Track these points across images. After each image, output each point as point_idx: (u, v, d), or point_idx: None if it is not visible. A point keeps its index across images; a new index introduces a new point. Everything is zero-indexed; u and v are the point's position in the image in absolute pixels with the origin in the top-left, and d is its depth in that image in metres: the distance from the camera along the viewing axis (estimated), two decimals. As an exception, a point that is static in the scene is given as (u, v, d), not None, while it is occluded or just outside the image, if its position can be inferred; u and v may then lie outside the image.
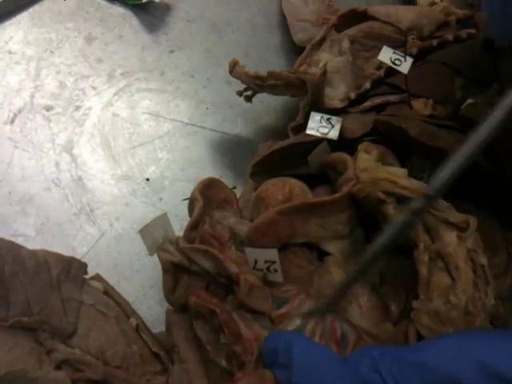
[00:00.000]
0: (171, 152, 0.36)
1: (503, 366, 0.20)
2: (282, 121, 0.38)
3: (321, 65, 0.33)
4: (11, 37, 0.37)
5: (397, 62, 0.32)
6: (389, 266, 0.27)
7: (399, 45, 0.38)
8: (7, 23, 0.37)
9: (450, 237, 0.24)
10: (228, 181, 0.36)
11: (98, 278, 0.28)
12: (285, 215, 0.26)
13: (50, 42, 0.38)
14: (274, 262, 0.24)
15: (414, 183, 0.25)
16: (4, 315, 0.24)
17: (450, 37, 0.39)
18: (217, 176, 0.36)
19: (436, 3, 0.48)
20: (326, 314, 0.23)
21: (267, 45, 0.43)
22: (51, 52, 0.37)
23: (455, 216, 0.24)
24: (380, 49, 0.38)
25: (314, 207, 0.26)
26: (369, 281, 0.27)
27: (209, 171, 0.36)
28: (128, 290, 0.30)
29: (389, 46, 0.33)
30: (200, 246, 0.25)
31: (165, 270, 0.26)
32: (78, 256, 0.30)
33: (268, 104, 0.39)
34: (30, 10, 0.38)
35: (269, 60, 0.42)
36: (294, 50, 0.42)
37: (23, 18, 0.38)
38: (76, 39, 0.38)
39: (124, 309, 0.27)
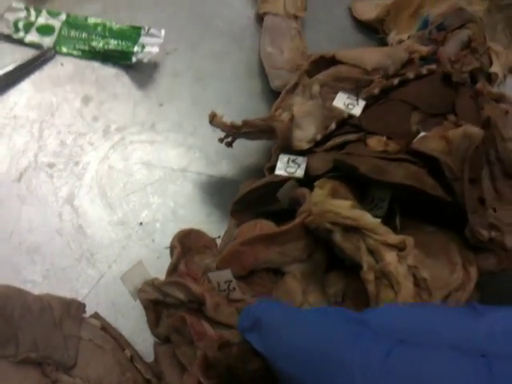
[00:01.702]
0: (162, 197, 0.39)
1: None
2: (263, 161, 0.41)
3: (285, 114, 0.37)
4: (16, 103, 0.41)
5: (350, 107, 0.35)
6: (349, 285, 0.30)
7: (366, 85, 0.42)
8: (12, 91, 0.42)
9: (390, 257, 0.27)
10: (215, 218, 0.40)
11: (96, 316, 0.31)
12: (248, 245, 0.30)
13: (50, 105, 0.42)
14: (231, 281, 0.27)
15: (356, 213, 0.28)
16: (14, 352, 0.28)
17: (410, 75, 0.42)
18: (204, 215, 0.40)
19: (403, 41, 0.51)
20: None
21: (248, 92, 0.47)
22: (52, 114, 0.41)
23: (393, 238, 0.27)
24: (348, 89, 0.42)
25: (272, 237, 0.30)
26: (332, 300, 0.30)
27: (197, 211, 0.40)
28: (125, 325, 0.33)
29: (345, 92, 0.36)
30: (170, 279, 0.28)
31: (146, 308, 0.30)
32: (80, 297, 0.33)
33: (250, 146, 0.43)
34: (32, 77, 0.43)
35: (250, 106, 0.46)
36: (273, 95, 0.45)
37: (26, 84, 0.42)
38: (74, 100, 0.43)
39: (119, 342, 0.31)
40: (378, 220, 0.30)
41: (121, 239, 0.37)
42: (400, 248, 0.28)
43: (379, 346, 0.21)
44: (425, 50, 0.46)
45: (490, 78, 0.48)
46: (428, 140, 0.35)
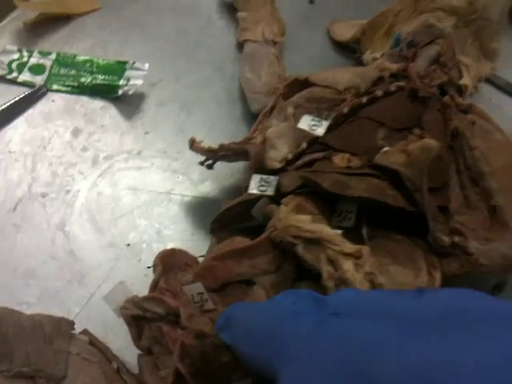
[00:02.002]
0: (148, 219, 0.42)
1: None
2: (243, 181, 0.44)
3: (258, 137, 0.39)
4: (11, 139, 0.45)
5: (313, 128, 0.38)
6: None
7: (339, 104, 0.44)
8: (7, 128, 0.45)
9: (347, 265, 0.29)
10: (199, 237, 0.42)
11: (85, 332, 0.34)
12: (220, 260, 0.32)
13: (42, 139, 0.45)
14: (203, 293, 0.30)
15: (315, 226, 0.30)
16: (8, 367, 0.30)
17: (379, 92, 0.44)
18: (189, 234, 0.42)
19: (377, 59, 0.54)
20: None
21: (230, 117, 0.50)
22: (44, 147, 0.45)
23: (350, 248, 0.30)
24: (322, 110, 0.45)
25: (242, 251, 0.32)
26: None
27: (181, 231, 0.42)
28: (115, 340, 0.36)
29: (310, 114, 0.39)
30: (148, 295, 0.31)
31: (128, 324, 0.32)
32: (71, 315, 0.36)
33: (232, 166, 0.45)
34: (25, 113, 0.46)
35: (232, 130, 0.49)
36: (253, 118, 0.48)
37: (20, 121, 0.46)
38: (64, 133, 0.46)
39: (106, 355, 0.33)
40: (337, 232, 0.32)
41: (109, 260, 0.40)
42: (356, 256, 0.30)
43: (313, 317, 0.23)
44: (394, 67, 0.48)
45: (461, 90, 0.50)
46: (389, 154, 0.37)
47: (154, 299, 0.32)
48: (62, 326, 0.33)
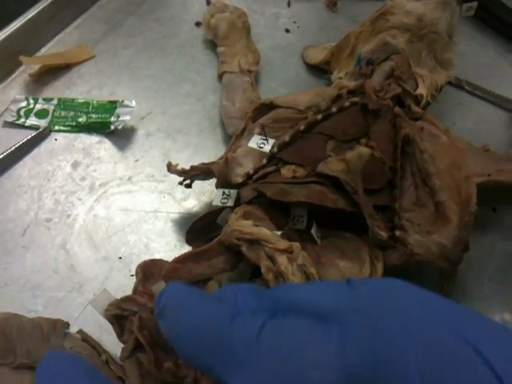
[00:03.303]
0: (137, 234, 0.49)
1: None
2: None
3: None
4: (20, 175, 0.52)
5: (261, 146, 0.44)
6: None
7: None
8: (17, 166, 0.53)
9: (281, 259, 0.35)
10: (181, 248, 0.48)
11: (79, 331, 0.41)
12: (181, 262, 0.38)
13: (46, 173, 0.53)
14: None
15: (253, 229, 0.36)
16: (12, 360, 0.37)
17: (334, 109, 0.50)
18: (173, 245, 0.49)
19: (342, 78, 0.59)
20: None
21: (211, 141, 0.57)
22: (48, 180, 0.52)
23: (283, 245, 0.35)
24: (286, 128, 0.51)
25: (199, 254, 0.38)
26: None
27: (166, 244, 0.49)
28: (109, 339, 0.42)
29: (258, 134, 0.45)
30: (124, 296, 0.37)
31: (110, 322, 0.38)
32: (71, 319, 0.43)
33: (212, 184, 0.51)
34: (32, 153, 0.54)
35: (213, 153, 0.55)
36: (230, 140, 0.54)
37: (27, 159, 0.54)
38: (65, 167, 0.53)
39: (97, 349, 0.40)
40: (276, 232, 0.38)
41: (104, 272, 0.47)
42: (289, 252, 0.36)
43: (255, 321, 0.23)
44: (352, 84, 0.53)
45: (417, 100, 0.55)
46: (329, 163, 0.42)
47: (128, 299, 0.38)
48: (58, 326, 0.40)
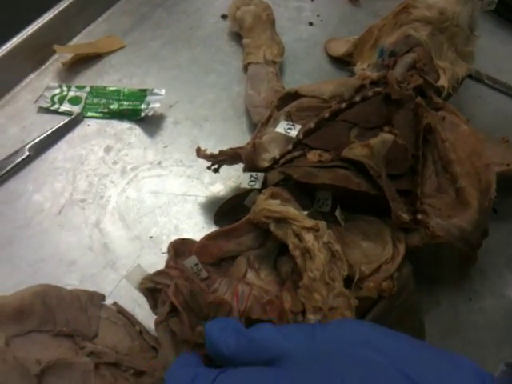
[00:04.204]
0: (167, 216, 0.51)
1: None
2: (243, 180, 0.52)
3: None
4: (55, 158, 0.55)
5: (288, 131, 0.46)
6: (296, 265, 0.39)
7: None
8: (52, 149, 0.56)
9: (307, 237, 0.37)
10: (208, 229, 0.50)
11: (114, 304, 0.43)
12: (212, 240, 0.40)
13: (80, 157, 0.55)
14: (197, 264, 0.38)
15: (281, 207, 0.38)
16: (52, 328, 0.39)
17: (357, 98, 0.51)
18: (200, 226, 0.51)
19: (365, 69, 0.61)
20: (233, 281, 0.37)
21: (236, 130, 0.59)
22: (82, 163, 0.55)
23: (309, 223, 0.37)
24: (311, 116, 0.52)
25: (229, 232, 0.40)
26: (284, 277, 0.40)
27: (194, 225, 0.51)
28: (141, 313, 0.44)
29: (285, 120, 0.47)
30: (157, 270, 0.39)
31: (144, 295, 0.40)
32: (106, 294, 0.45)
33: (238, 169, 0.53)
34: (66, 137, 0.57)
35: (238, 140, 0.57)
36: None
37: (62, 143, 0.56)
38: (98, 151, 0.56)
39: (131, 320, 0.42)
40: (303, 212, 0.40)
41: (136, 250, 0.49)
42: (316, 230, 0.38)
43: (209, 375, 0.29)
44: (375, 75, 0.55)
45: (439, 91, 0.57)
46: (354, 148, 0.44)
47: (161, 273, 0.40)
48: (95, 298, 0.42)
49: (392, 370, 0.25)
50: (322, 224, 0.37)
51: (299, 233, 0.38)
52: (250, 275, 0.39)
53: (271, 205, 0.39)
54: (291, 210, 0.39)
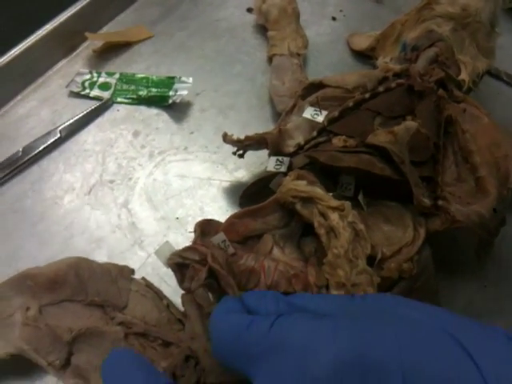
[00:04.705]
0: (193, 199, 0.53)
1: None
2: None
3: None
4: (85, 140, 0.57)
5: (315, 116, 0.47)
6: (319, 244, 0.41)
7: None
8: (82, 132, 0.58)
9: (333, 216, 0.38)
10: (232, 212, 0.51)
11: (142, 278, 0.44)
12: (239, 218, 0.41)
13: (109, 140, 0.57)
14: (225, 241, 0.39)
15: (308, 187, 0.39)
16: (84, 298, 0.41)
17: (381, 89, 0.53)
18: (225, 209, 0.52)
19: (387, 63, 0.62)
20: (260, 256, 0.38)
21: (260, 118, 0.60)
22: (111, 146, 0.56)
23: (335, 203, 0.38)
24: (334, 106, 0.54)
25: (255, 211, 0.41)
26: (307, 255, 0.41)
27: (219, 208, 0.52)
28: (167, 289, 0.46)
29: (312, 105, 0.48)
30: (186, 246, 0.41)
31: (173, 271, 0.41)
32: (133, 270, 0.47)
33: (261, 157, 0.55)
34: (96, 121, 0.59)
35: (261, 129, 0.57)
36: (278, 118, 0.57)
37: (92, 127, 0.58)
38: (127, 135, 0.58)
39: (159, 294, 0.43)
40: (328, 194, 0.41)
41: (162, 230, 0.51)
42: (341, 210, 0.39)
43: (265, 321, 0.28)
44: (397, 67, 0.56)
45: (460, 85, 0.58)
46: (378, 135, 0.46)
47: (189, 249, 0.42)
48: (125, 271, 0.44)
49: (438, 330, 0.25)
50: (347, 204, 0.39)
51: (325, 212, 0.39)
52: (276, 251, 0.40)
53: (298, 185, 0.40)
54: (317, 190, 0.40)
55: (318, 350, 0.25)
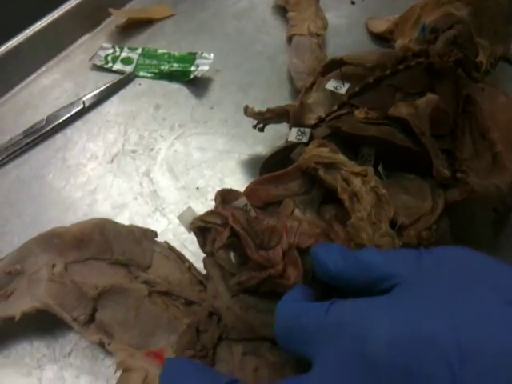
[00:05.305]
0: (213, 170, 0.54)
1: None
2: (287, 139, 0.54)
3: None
4: (108, 112, 0.58)
5: (337, 88, 0.48)
6: (339, 210, 0.41)
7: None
8: (105, 104, 0.59)
9: (356, 181, 0.39)
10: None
11: (165, 242, 0.45)
12: (261, 184, 0.42)
13: (131, 112, 0.58)
14: (246, 205, 0.40)
15: (331, 154, 0.40)
16: (109, 256, 0.42)
17: (401, 67, 0.53)
18: (243, 181, 0.53)
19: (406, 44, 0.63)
20: (282, 217, 0.39)
21: (279, 95, 0.61)
22: (133, 118, 0.58)
23: (358, 168, 0.39)
24: (354, 84, 0.54)
25: (277, 178, 0.42)
26: (327, 221, 0.42)
27: (238, 180, 0.53)
28: (188, 254, 0.47)
29: (334, 78, 0.49)
30: (207, 211, 0.41)
31: (195, 234, 0.42)
32: (155, 235, 0.47)
33: (279, 131, 0.55)
34: (119, 94, 0.60)
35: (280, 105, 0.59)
36: (297, 96, 0.58)
37: (114, 99, 0.60)
38: (148, 108, 0.59)
39: (180, 257, 0.44)
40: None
41: (183, 199, 0.52)
42: (363, 175, 0.40)
43: (322, 306, 0.28)
44: (417, 47, 0.57)
45: (478, 67, 0.59)
46: (399, 107, 0.46)
47: (212, 213, 0.42)
48: (148, 233, 0.45)
49: (502, 304, 0.24)
50: (370, 169, 0.39)
51: (347, 177, 0.40)
52: (298, 213, 0.41)
53: (321, 151, 0.41)
54: (340, 156, 0.41)
55: (373, 326, 0.25)
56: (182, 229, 0.47)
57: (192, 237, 0.46)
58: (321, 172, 0.41)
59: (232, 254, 0.41)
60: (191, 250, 0.48)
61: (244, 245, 0.37)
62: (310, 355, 0.28)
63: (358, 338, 0.25)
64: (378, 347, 0.23)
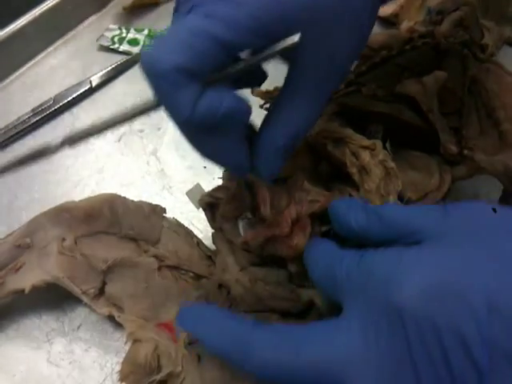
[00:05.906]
0: (220, 149, 0.53)
1: None
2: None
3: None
4: (115, 92, 0.58)
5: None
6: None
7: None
8: (112, 84, 0.59)
9: (364, 154, 0.39)
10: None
11: (174, 218, 0.45)
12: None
13: (138, 92, 0.58)
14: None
15: (340, 128, 0.40)
16: (118, 231, 0.42)
17: (408, 47, 0.53)
18: (251, 161, 0.53)
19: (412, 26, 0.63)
20: (290, 188, 0.39)
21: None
22: (140, 98, 0.58)
23: (366, 142, 0.39)
24: (361, 65, 0.54)
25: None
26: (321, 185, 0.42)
27: (245, 158, 0.53)
28: (195, 231, 0.47)
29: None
30: (216, 186, 0.41)
31: (204, 210, 0.42)
32: (162, 213, 0.47)
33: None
34: (125, 74, 0.60)
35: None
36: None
37: (122, 78, 0.60)
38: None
39: (189, 233, 0.44)
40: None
41: (190, 177, 0.52)
42: (372, 149, 0.40)
43: (355, 254, 0.28)
44: (423, 29, 0.57)
45: (483, 48, 0.58)
46: (407, 84, 0.47)
47: (221, 188, 0.42)
48: (157, 209, 0.45)
49: None
50: (379, 143, 0.40)
51: (356, 151, 0.40)
52: (306, 184, 0.41)
53: (330, 126, 0.41)
54: (348, 130, 0.41)
55: (402, 278, 0.24)
56: (190, 207, 0.48)
57: (199, 214, 0.46)
58: (329, 147, 0.41)
59: (241, 226, 0.41)
60: (198, 227, 0.48)
61: (258, 198, 0.36)
62: (342, 303, 0.28)
63: (387, 291, 0.24)
64: (407, 296, 0.23)
